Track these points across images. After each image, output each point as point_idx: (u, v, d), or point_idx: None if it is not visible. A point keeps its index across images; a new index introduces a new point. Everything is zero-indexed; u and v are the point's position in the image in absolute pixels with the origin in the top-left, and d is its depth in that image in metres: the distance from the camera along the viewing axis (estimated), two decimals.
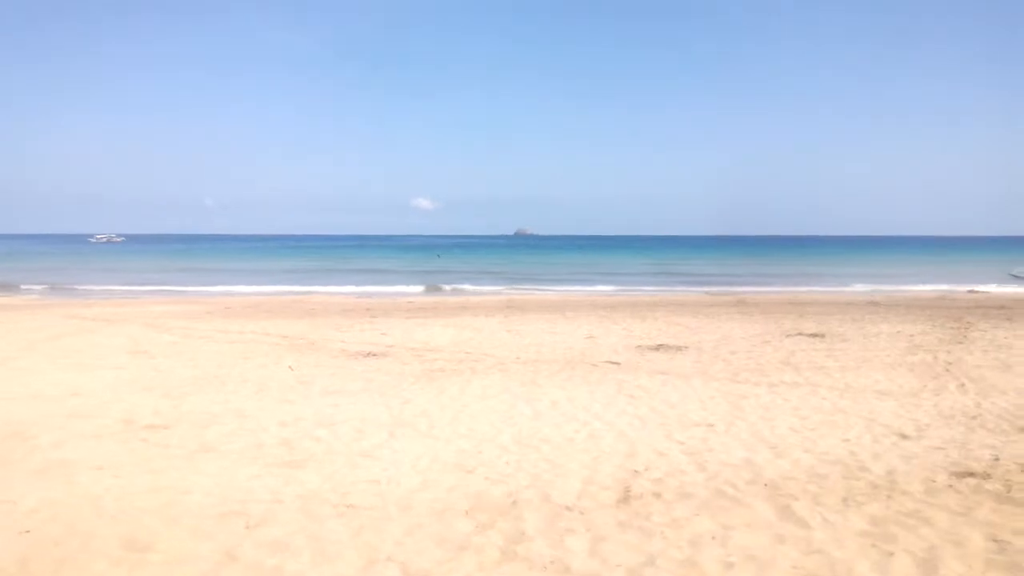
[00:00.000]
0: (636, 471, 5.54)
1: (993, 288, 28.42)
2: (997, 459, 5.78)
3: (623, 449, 6.11)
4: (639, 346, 11.98)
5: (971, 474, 5.38)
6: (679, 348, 11.75)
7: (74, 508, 4.71)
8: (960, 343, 12.10)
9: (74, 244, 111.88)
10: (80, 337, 13.29)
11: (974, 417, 7.18)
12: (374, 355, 11.16)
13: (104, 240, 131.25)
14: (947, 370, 9.66)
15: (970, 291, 26.79)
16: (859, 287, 30.16)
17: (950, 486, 5.13)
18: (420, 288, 31.91)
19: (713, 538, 4.26)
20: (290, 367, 10.11)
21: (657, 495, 4.98)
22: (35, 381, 9.06)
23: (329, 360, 10.77)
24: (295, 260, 65.12)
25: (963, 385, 8.67)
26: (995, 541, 4.19)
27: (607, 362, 10.46)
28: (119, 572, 3.82)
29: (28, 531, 4.30)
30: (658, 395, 8.23)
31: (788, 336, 13.16)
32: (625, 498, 4.93)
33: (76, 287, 30.61)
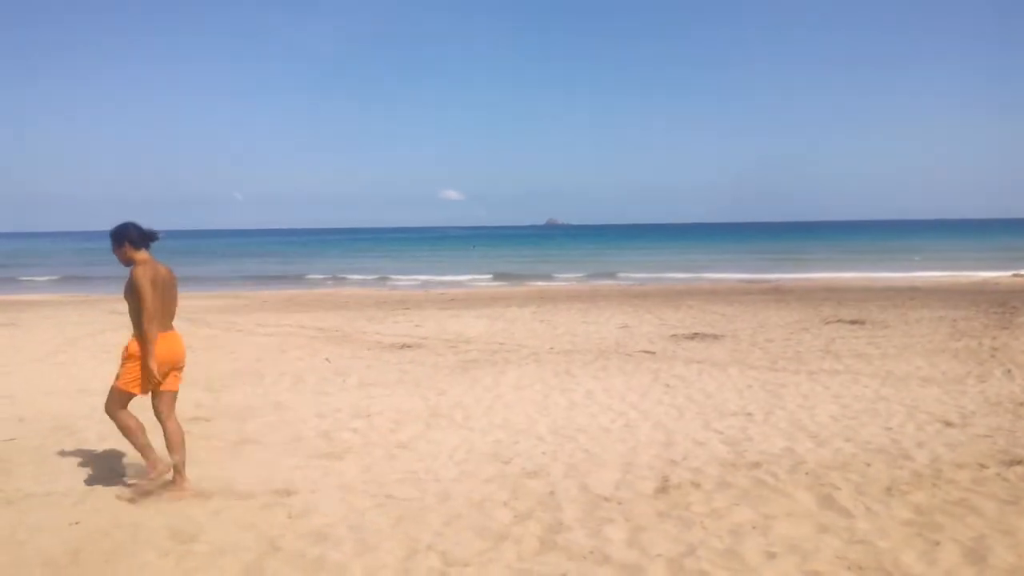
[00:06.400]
0: (674, 461, 5.50)
1: None
2: None
3: (660, 439, 6.08)
4: (674, 335, 11.88)
5: (1019, 462, 5.25)
6: (715, 336, 11.63)
7: (121, 500, 4.81)
8: (1006, 328, 11.81)
9: None
10: (122, 332, 13.54)
11: (1022, 404, 7.00)
12: (408, 346, 11.23)
13: None
14: (992, 356, 9.43)
15: (1014, 275, 26.11)
16: (898, 272, 29.57)
17: (998, 474, 5.01)
18: (452, 279, 32.02)
19: (754, 528, 4.21)
20: (327, 359, 10.22)
21: (696, 485, 4.94)
22: (79, 375, 9.27)
23: (364, 352, 10.86)
24: (325, 253, 65.70)
25: (1009, 371, 8.46)
26: None
27: (642, 351, 10.40)
28: (167, 562, 3.90)
29: (77, 522, 4.41)
30: (695, 384, 8.16)
31: (827, 323, 12.96)
32: (663, 488, 4.90)
33: (120, 283, 31.21)
